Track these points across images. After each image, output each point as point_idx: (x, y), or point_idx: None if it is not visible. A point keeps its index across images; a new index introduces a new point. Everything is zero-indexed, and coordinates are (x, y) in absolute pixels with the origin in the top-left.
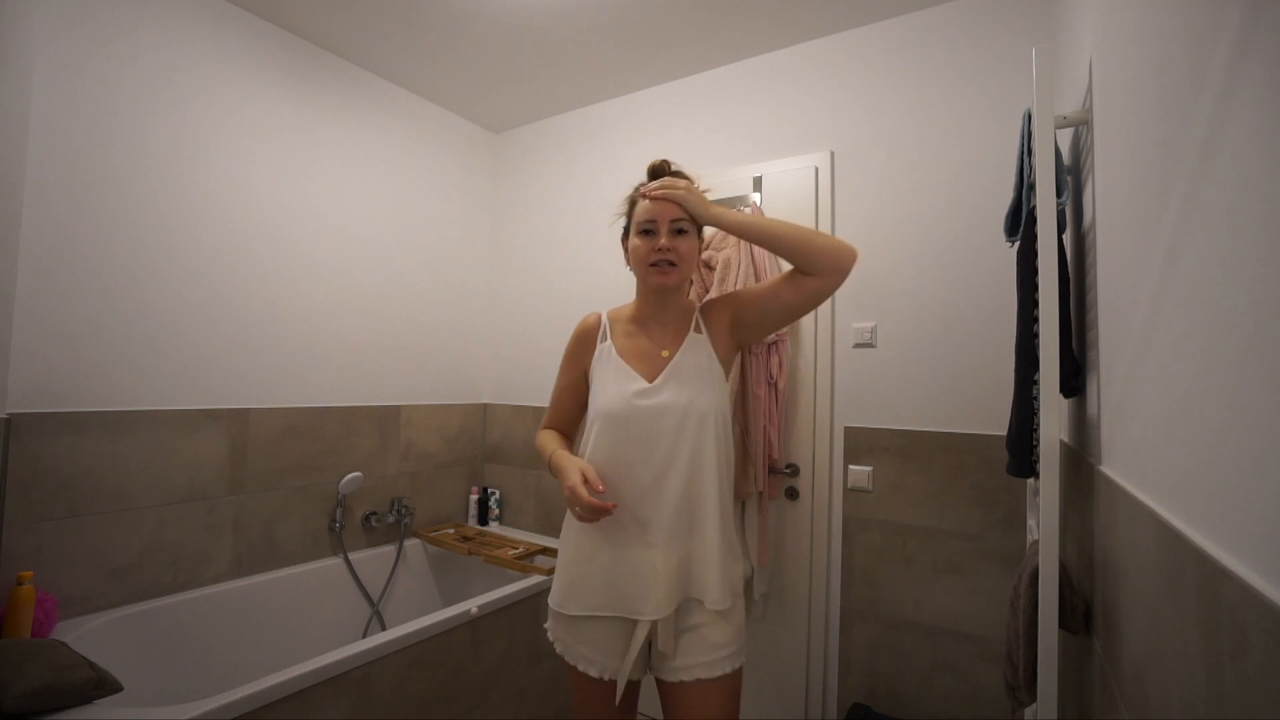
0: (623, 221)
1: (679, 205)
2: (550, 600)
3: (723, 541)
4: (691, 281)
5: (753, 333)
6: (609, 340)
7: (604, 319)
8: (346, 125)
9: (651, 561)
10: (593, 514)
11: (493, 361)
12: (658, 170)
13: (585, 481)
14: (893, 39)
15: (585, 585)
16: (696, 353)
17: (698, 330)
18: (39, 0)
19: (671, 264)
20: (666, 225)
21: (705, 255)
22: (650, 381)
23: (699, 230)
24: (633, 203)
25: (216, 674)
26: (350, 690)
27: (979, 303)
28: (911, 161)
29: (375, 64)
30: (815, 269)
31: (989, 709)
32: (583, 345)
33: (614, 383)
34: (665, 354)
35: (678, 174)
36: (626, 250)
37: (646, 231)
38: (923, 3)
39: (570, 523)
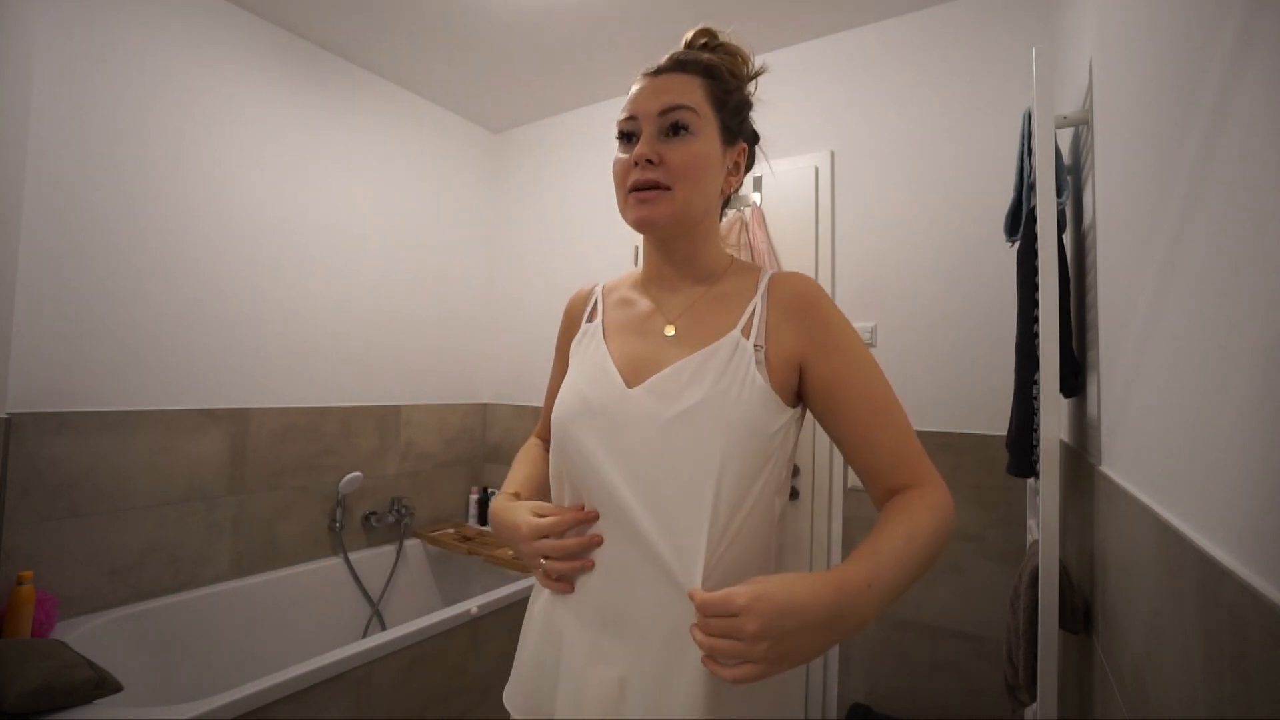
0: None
1: (688, 85)
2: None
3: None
4: (722, 215)
5: (810, 407)
6: (599, 318)
7: (596, 291)
8: (346, 125)
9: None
10: (567, 570)
11: (492, 361)
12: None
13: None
14: (893, 39)
15: (519, 678)
16: (723, 347)
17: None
18: (40, 1)
19: (657, 185)
20: (653, 122)
21: None
22: (631, 376)
23: (725, 124)
24: None
25: (216, 674)
26: (350, 690)
27: (979, 303)
28: (911, 161)
29: (375, 63)
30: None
31: (989, 709)
32: (566, 330)
33: (577, 375)
34: (670, 331)
35: (715, 49)
36: None
37: (625, 134)
38: (923, 3)
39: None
